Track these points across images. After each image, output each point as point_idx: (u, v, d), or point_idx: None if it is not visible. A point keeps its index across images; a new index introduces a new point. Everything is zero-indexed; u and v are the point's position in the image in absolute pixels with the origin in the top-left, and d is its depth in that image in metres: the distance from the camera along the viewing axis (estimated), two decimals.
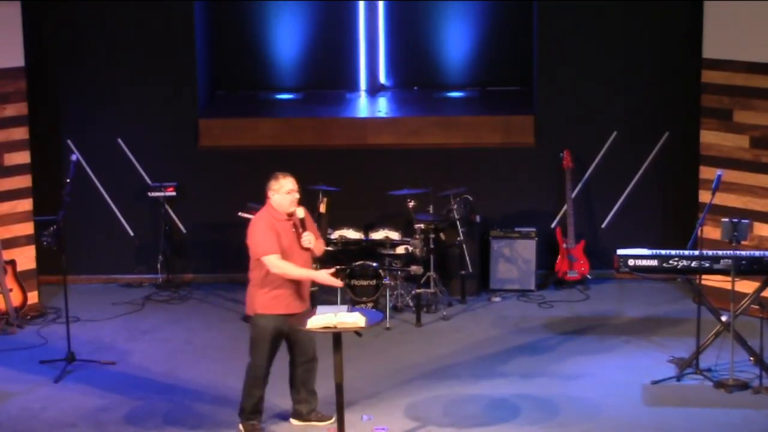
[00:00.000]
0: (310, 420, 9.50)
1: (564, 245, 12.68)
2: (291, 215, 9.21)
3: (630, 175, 12.92)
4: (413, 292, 11.92)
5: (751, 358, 10.33)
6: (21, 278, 11.86)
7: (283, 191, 9.17)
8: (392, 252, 12.02)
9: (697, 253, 10.30)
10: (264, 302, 9.19)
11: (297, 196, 9.24)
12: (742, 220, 10.19)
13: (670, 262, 10.36)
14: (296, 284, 9.20)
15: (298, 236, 9.21)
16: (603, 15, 12.72)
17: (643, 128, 12.86)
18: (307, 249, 9.25)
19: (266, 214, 9.22)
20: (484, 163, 12.98)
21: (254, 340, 9.26)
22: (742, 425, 9.42)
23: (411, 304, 11.98)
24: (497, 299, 12.50)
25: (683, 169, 12.65)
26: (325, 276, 9.17)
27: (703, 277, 10.42)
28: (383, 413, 9.66)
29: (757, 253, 10.56)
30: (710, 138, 12.00)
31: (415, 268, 11.74)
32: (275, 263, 9.06)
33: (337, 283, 9.32)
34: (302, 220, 9.22)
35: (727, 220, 10.22)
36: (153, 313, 12.23)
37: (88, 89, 12.87)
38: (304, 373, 9.44)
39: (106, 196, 13.03)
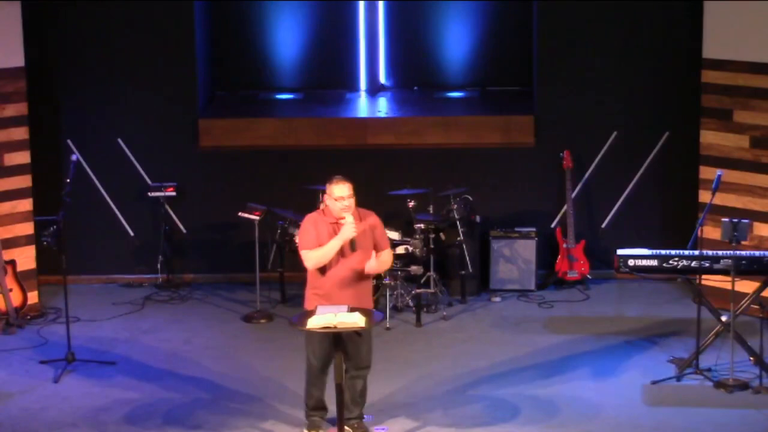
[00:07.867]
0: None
1: (564, 245, 12.67)
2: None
3: (630, 175, 12.92)
4: (413, 292, 11.91)
5: (751, 358, 10.33)
6: (21, 278, 11.85)
7: (332, 197, 9.03)
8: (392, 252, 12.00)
9: (697, 253, 10.30)
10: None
11: (347, 204, 8.99)
12: (742, 220, 10.18)
13: (670, 262, 10.36)
14: (333, 283, 9.03)
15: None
16: (603, 15, 12.71)
17: (643, 128, 12.86)
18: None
19: (317, 212, 9.15)
20: (484, 163, 12.97)
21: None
22: (742, 425, 9.42)
23: (411, 304, 11.97)
24: (497, 299, 12.50)
25: (683, 169, 12.65)
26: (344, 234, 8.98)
27: (703, 277, 10.42)
28: (383, 413, 9.66)
29: (757, 253, 10.57)
30: (710, 138, 12.00)
31: (415, 268, 11.74)
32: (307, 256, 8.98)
33: (351, 229, 8.97)
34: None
35: (727, 220, 10.22)
36: (153, 313, 12.23)
37: (88, 89, 12.87)
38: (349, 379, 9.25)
39: (106, 196, 13.03)
